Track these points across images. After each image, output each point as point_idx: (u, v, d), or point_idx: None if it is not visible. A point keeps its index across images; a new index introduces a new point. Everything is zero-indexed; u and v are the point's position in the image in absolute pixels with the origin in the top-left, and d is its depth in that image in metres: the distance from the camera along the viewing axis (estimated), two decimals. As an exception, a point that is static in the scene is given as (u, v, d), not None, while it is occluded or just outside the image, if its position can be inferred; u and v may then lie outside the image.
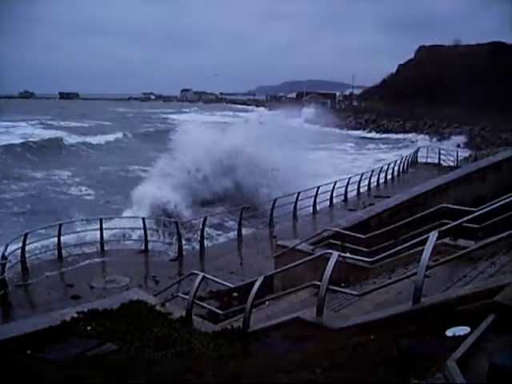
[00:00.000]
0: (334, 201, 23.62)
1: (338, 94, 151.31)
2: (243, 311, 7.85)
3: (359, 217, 17.13)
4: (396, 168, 31.77)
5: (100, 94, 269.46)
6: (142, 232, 16.91)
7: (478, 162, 28.92)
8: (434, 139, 67.49)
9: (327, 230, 13.29)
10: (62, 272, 14.43)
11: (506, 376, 3.45)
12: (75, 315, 7.92)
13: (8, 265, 12.70)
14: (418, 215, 11.22)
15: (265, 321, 8.06)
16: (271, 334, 7.09)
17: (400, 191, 22.02)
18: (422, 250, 6.24)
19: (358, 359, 4.80)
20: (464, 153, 45.45)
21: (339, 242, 11.97)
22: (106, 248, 16.50)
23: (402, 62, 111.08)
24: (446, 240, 9.44)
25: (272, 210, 19.71)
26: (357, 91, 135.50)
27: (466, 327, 4.81)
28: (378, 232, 11.93)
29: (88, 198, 32.59)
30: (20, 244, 14.04)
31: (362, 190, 26.14)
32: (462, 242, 9.40)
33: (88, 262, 15.32)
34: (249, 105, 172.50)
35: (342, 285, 9.56)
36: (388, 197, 21.56)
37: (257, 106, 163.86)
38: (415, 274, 6.24)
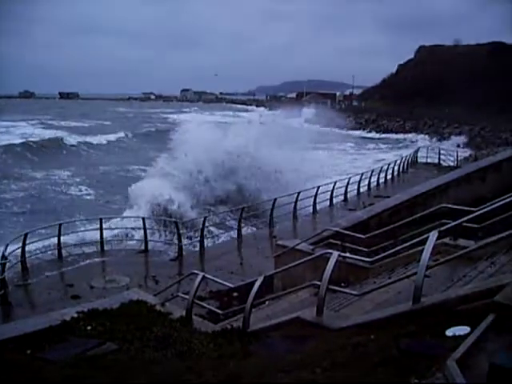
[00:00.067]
0: (334, 201, 23.61)
1: (338, 94, 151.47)
2: (243, 311, 7.85)
3: (359, 217, 17.13)
4: (396, 168, 31.78)
5: (100, 93, 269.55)
6: (142, 232, 16.90)
7: (478, 161, 28.93)
8: (434, 139, 67.55)
9: (327, 229, 13.28)
10: (61, 272, 14.41)
11: (505, 376, 3.45)
12: (75, 315, 7.92)
13: (8, 264, 12.70)
14: (418, 215, 11.21)
15: (265, 321, 8.05)
16: (271, 334, 7.09)
17: (400, 191, 22.01)
18: (422, 250, 6.24)
19: (358, 359, 4.80)
20: (464, 153, 45.47)
21: (339, 242, 11.97)
22: (105, 248, 16.48)
23: (401, 62, 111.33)
24: (446, 240, 9.44)
25: (272, 209, 19.70)
26: (357, 91, 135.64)
27: (465, 327, 4.81)
28: (377, 232, 11.92)
29: (88, 197, 32.61)
30: (20, 244, 14.03)
31: (361, 190, 26.14)
32: (461, 241, 9.39)
33: (88, 261, 15.31)
34: (248, 105, 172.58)
35: (342, 285, 9.56)
36: (388, 197, 21.56)
37: (257, 106, 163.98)
38: (415, 273, 6.24)
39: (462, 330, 4.81)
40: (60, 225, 15.78)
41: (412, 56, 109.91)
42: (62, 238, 15.59)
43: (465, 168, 26.52)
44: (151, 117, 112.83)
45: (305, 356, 5.47)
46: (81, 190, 34.31)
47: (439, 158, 36.82)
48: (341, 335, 6.01)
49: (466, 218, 7.72)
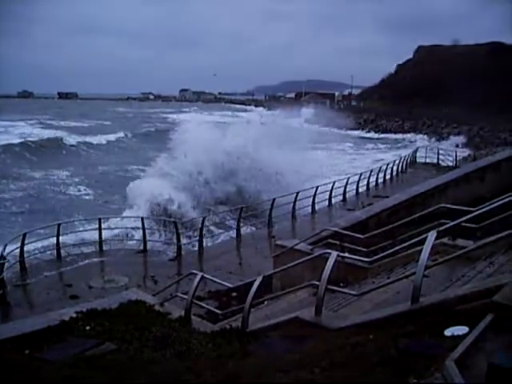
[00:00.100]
0: (333, 201, 23.63)
1: (336, 94, 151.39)
2: (242, 311, 7.85)
3: (358, 217, 17.13)
4: (395, 168, 31.79)
5: (99, 93, 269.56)
6: (141, 232, 16.90)
7: (476, 161, 28.92)
8: (433, 139, 67.61)
9: (326, 229, 13.29)
10: (60, 272, 14.40)
11: (504, 376, 3.45)
12: (74, 315, 7.91)
13: (6, 264, 12.69)
14: (417, 215, 11.20)
15: (263, 320, 8.05)
16: (270, 334, 7.09)
17: (399, 191, 22.01)
18: (421, 250, 6.25)
19: (357, 359, 4.80)
20: (463, 153, 45.50)
21: (338, 242, 11.96)
22: (104, 248, 16.48)
23: (400, 62, 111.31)
24: (445, 240, 9.45)
25: (271, 209, 19.71)
26: (355, 91, 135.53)
27: (464, 327, 4.82)
28: (376, 232, 11.93)
29: (87, 197, 32.63)
30: (19, 244, 14.03)
31: (360, 190, 26.16)
32: (460, 241, 9.40)
33: (87, 261, 15.30)
34: (247, 105, 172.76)
35: (341, 284, 9.55)
36: (387, 197, 21.55)
37: (256, 106, 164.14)
38: (414, 273, 6.24)
39: (460, 329, 4.81)
40: (59, 225, 15.77)
41: (411, 56, 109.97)
42: (60, 238, 15.57)
43: (463, 168, 26.52)
44: (151, 117, 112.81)
45: (303, 356, 5.48)
46: (80, 190, 34.31)
47: (438, 158, 36.83)
48: (339, 335, 6.01)
49: (464, 218, 7.72)
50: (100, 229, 16.47)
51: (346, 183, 24.82)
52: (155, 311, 8.63)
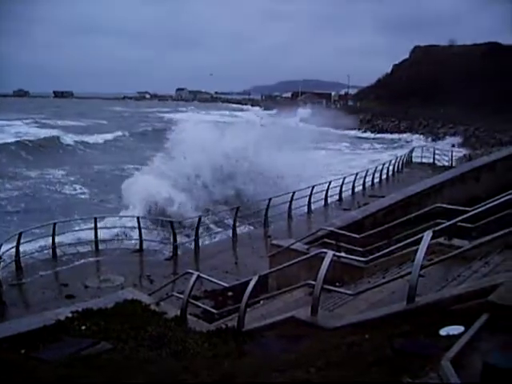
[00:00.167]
0: (329, 200, 23.64)
1: (333, 93, 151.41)
2: (238, 310, 7.86)
3: (354, 216, 17.18)
4: (391, 168, 31.85)
5: (95, 92, 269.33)
6: (137, 231, 16.87)
7: (472, 161, 29.01)
8: (429, 139, 67.77)
9: (322, 229, 13.31)
10: (56, 271, 14.38)
11: (499, 375, 3.46)
12: (69, 314, 7.89)
13: (2, 264, 12.70)
14: (413, 215, 11.23)
15: (259, 320, 8.06)
16: (266, 334, 7.09)
17: (395, 191, 22.06)
18: (417, 250, 6.26)
19: (353, 358, 4.81)
20: (459, 153, 45.59)
21: (334, 242, 12.00)
22: (100, 247, 16.46)
23: (397, 62, 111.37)
24: (441, 239, 9.46)
25: (267, 209, 19.70)
26: (352, 91, 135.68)
27: (459, 326, 4.82)
28: (372, 232, 11.96)
29: (82, 196, 32.56)
30: (14, 243, 13.99)
31: (356, 190, 26.20)
32: (456, 241, 9.42)
33: (82, 261, 15.28)
34: (244, 104, 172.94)
35: (337, 284, 9.56)
36: (383, 196, 21.59)
37: (252, 105, 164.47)
38: (409, 273, 6.26)
39: (455, 329, 4.82)
40: (54, 224, 15.75)
41: (407, 56, 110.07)
42: (56, 237, 15.55)
43: (459, 168, 26.63)
44: (148, 116, 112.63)
45: (299, 355, 5.48)
46: (75, 189, 34.25)
47: (434, 158, 36.93)
48: (335, 335, 6.02)
49: (460, 218, 7.74)
50: (96, 228, 16.44)
51: (342, 183, 24.84)
52: (151, 311, 8.62)
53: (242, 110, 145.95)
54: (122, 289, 11.21)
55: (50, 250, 15.49)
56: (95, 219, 16.72)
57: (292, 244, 11.94)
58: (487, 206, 7.79)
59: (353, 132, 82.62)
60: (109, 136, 62.70)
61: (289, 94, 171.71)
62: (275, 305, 9.74)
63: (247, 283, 7.99)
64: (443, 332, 4.87)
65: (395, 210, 17.68)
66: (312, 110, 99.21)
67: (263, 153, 28.02)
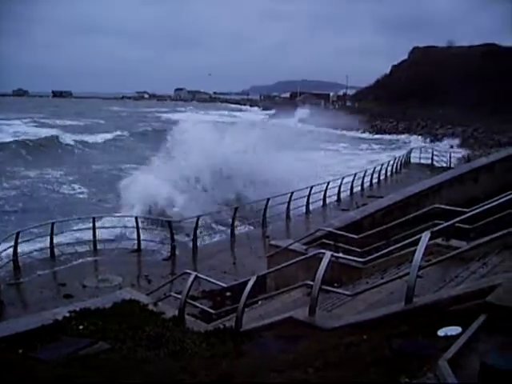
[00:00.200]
0: (327, 201, 23.64)
1: (331, 94, 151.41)
2: (236, 311, 7.85)
3: (352, 217, 17.16)
4: (389, 168, 31.88)
5: (94, 92, 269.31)
6: (135, 231, 16.86)
7: (470, 162, 29.04)
8: (428, 140, 67.82)
9: (320, 229, 13.30)
10: (54, 271, 14.37)
11: (497, 376, 3.46)
12: (67, 314, 7.89)
13: (0, 263, 12.65)
14: (411, 215, 11.25)
15: (257, 320, 8.06)
16: (264, 334, 7.09)
17: (393, 191, 22.05)
18: (415, 251, 6.26)
19: (351, 359, 4.81)
20: (457, 154, 45.64)
21: (332, 242, 11.99)
22: (98, 247, 16.43)
23: (395, 63, 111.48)
24: (439, 240, 9.48)
25: (265, 209, 19.69)
26: (350, 91, 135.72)
27: (457, 327, 4.83)
28: (370, 232, 11.96)
29: (81, 196, 32.54)
30: (12, 243, 13.98)
31: (355, 190, 26.20)
32: (454, 242, 9.43)
33: (80, 260, 15.27)
34: (242, 104, 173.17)
35: (335, 285, 9.58)
36: (381, 197, 21.60)
37: (251, 105, 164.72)
38: (408, 274, 6.26)
39: (453, 330, 4.82)
40: (52, 224, 15.74)
41: (406, 57, 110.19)
42: (54, 236, 15.54)
43: (458, 169, 26.64)
44: (146, 116, 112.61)
45: (297, 356, 5.48)
46: (74, 189, 34.24)
47: (432, 159, 36.98)
48: (333, 335, 6.02)
49: (458, 219, 7.73)
50: (94, 228, 16.44)
51: (341, 183, 24.84)
52: (149, 311, 8.62)
53: (240, 110, 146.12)
54: (120, 289, 11.19)
55: (48, 250, 15.47)
56: (93, 219, 16.72)
57: (290, 244, 11.94)
58: (485, 206, 7.78)
59: (351, 133, 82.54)
60: (107, 136, 62.73)
61: (287, 95, 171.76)
62: (273, 305, 9.73)
63: (245, 283, 7.99)
64: (441, 333, 4.87)
65: (393, 211, 17.67)
66: (310, 110, 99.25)
67: (263, 155, 27.88)
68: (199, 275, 9.31)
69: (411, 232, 9.61)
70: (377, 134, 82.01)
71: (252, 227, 20.43)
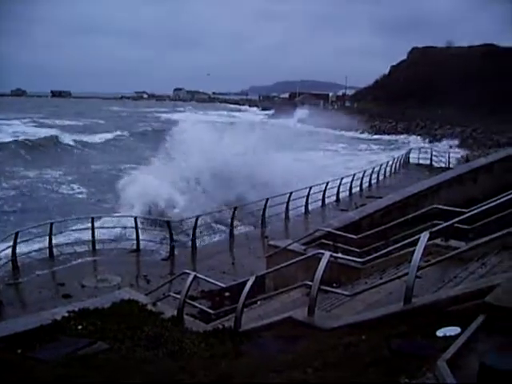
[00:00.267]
0: (326, 201, 23.65)
1: (330, 94, 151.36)
2: (235, 311, 7.85)
3: (351, 217, 17.16)
4: (388, 169, 31.90)
5: (93, 92, 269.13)
6: (134, 231, 16.85)
7: (469, 163, 29.07)
8: (426, 140, 67.84)
9: (319, 230, 13.31)
10: (53, 271, 14.37)
11: (495, 376, 3.47)
12: (66, 314, 7.89)
13: (-1, 263, 12.66)
14: (410, 216, 11.25)
15: (256, 320, 8.06)
16: (263, 334, 7.09)
17: (392, 192, 22.05)
18: (414, 251, 6.26)
19: (350, 359, 4.81)
20: (456, 154, 45.66)
21: (331, 243, 11.99)
22: (97, 247, 16.44)
23: (394, 63, 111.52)
24: (438, 241, 9.48)
25: (264, 209, 19.69)
26: (349, 92, 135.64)
27: (456, 328, 4.83)
28: (369, 232, 11.96)
29: (80, 196, 32.53)
30: (11, 242, 13.98)
31: (354, 191, 26.21)
32: (453, 242, 9.43)
33: (79, 260, 15.27)
34: (241, 104, 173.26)
35: (334, 285, 9.57)
36: (380, 197, 21.60)
37: (250, 105, 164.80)
38: (406, 274, 6.26)
39: (452, 330, 4.82)
40: (51, 224, 15.74)
41: (405, 57, 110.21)
42: (53, 237, 15.53)
43: (456, 169, 26.67)
44: (146, 116, 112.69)
45: (296, 356, 5.48)
46: (73, 189, 34.24)
47: (431, 159, 37.01)
48: (332, 335, 6.02)
49: (457, 219, 7.75)
50: (93, 228, 16.44)
51: (340, 184, 24.84)
52: (148, 311, 8.62)
53: (239, 110, 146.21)
54: (119, 289, 11.20)
55: (47, 250, 15.47)
56: (92, 219, 16.72)
57: (289, 244, 11.94)
58: (484, 207, 7.79)
59: (350, 133, 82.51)
60: (107, 136, 62.77)
61: (286, 95, 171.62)
62: (272, 305, 9.73)
63: (244, 283, 7.99)
64: (440, 333, 4.87)
65: (392, 211, 17.67)
66: (310, 110, 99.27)
67: (262, 155, 27.86)
68: (198, 275, 9.30)
69: (410, 232, 9.62)
70: (376, 134, 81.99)
71: (252, 227, 20.43)
